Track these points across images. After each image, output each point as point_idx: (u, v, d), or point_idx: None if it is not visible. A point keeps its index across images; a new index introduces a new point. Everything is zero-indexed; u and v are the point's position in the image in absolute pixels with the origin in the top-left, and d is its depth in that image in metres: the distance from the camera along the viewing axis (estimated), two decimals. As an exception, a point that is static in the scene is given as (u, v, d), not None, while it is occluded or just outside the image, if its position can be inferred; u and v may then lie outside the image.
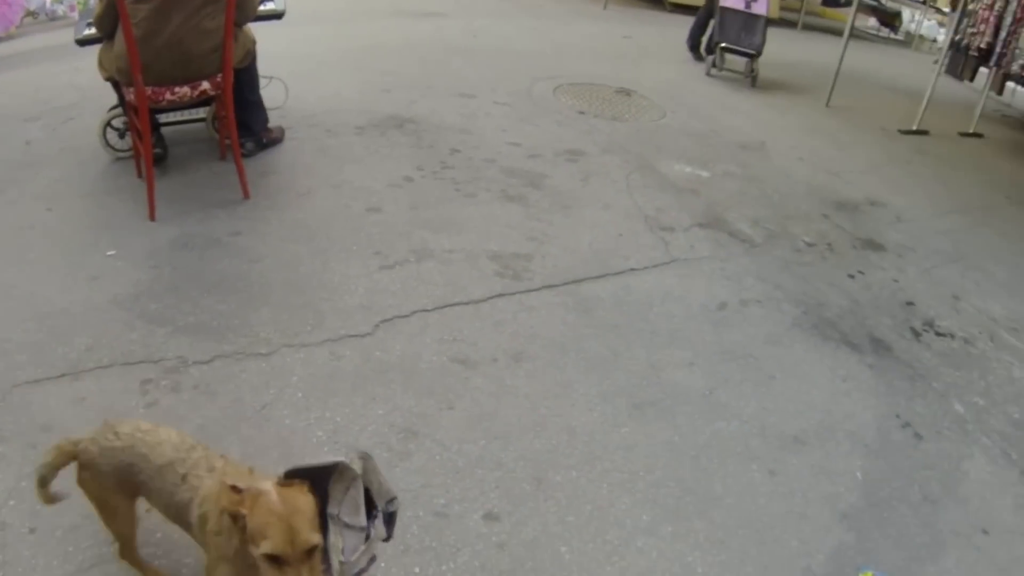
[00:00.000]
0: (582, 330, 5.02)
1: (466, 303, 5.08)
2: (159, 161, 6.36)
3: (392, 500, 2.73)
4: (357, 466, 2.60)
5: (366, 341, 4.66)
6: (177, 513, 2.86)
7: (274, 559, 2.38)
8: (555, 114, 8.57)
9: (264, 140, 6.87)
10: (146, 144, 5.56)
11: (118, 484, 2.96)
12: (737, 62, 11.14)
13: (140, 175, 6.21)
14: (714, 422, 4.39)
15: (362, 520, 2.64)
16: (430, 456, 3.92)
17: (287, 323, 4.73)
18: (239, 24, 5.73)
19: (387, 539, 2.75)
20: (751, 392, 4.70)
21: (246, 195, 6.07)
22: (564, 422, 4.24)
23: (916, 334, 5.59)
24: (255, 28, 6.44)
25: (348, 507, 2.61)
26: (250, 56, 6.28)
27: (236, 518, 2.45)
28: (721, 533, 3.76)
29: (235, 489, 2.50)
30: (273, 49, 7.59)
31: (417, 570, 3.40)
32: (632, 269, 5.74)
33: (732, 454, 4.18)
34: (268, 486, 2.50)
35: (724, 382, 4.75)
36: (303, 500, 2.49)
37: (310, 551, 2.43)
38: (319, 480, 2.61)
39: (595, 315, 5.18)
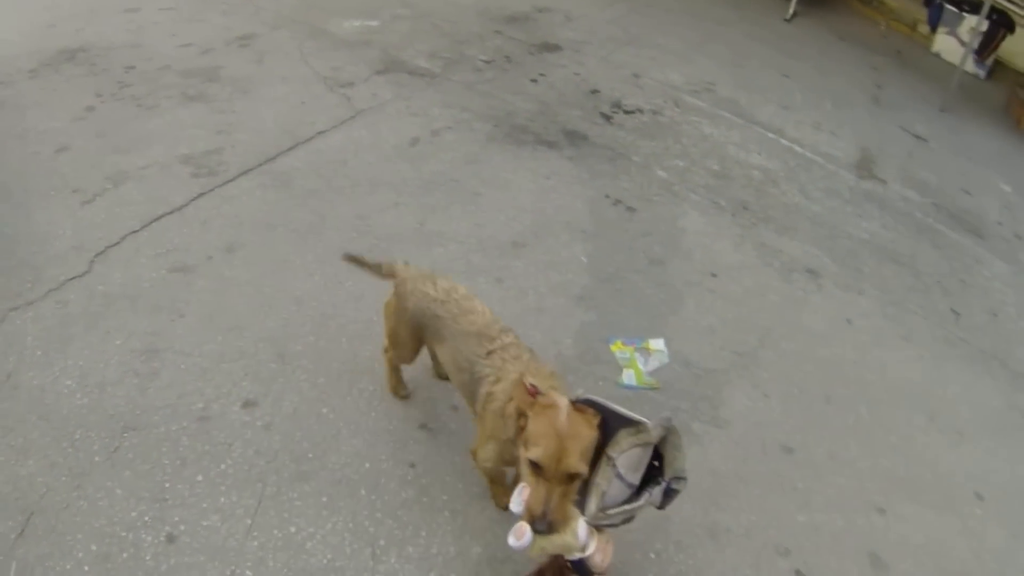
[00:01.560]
0: (285, 204, 4.99)
1: (170, 212, 4.94)
2: None
3: (680, 480, 2.61)
4: (656, 433, 2.56)
5: (86, 280, 4.50)
6: (467, 380, 3.02)
7: (536, 467, 2.48)
8: (220, 4, 8.28)
9: (-70, 114, 6.53)
10: None
11: (415, 327, 3.24)
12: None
13: None
14: (432, 250, 4.46)
15: (636, 479, 2.62)
16: (176, 368, 3.88)
17: (6, 286, 4.50)
18: None
19: (660, 507, 2.68)
20: (460, 213, 4.78)
21: (-70, 171, 5.73)
22: (289, 295, 4.24)
23: (607, 117, 5.75)
24: None
25: (629, 461, 2.58)
26: None
27: (521, 416, 2.57)
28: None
29: (532, 390, 2.62)
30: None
31: (200, 477, 3.40)
32: (320, 132, 5.70)
33: (456, 273, 4.24)
34: (563, 401, 2.56)
35: (432, 211, 4.82)
36: (587, 429, 2.55)
37: (571, 476, 2.50)
38: (613, 423, 2.60)
39: (294, 186, 5.15)
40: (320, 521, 3.28)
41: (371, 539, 3.26)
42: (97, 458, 3.50)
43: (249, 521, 3.25)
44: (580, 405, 2.62)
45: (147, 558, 3.13)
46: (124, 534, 3.21)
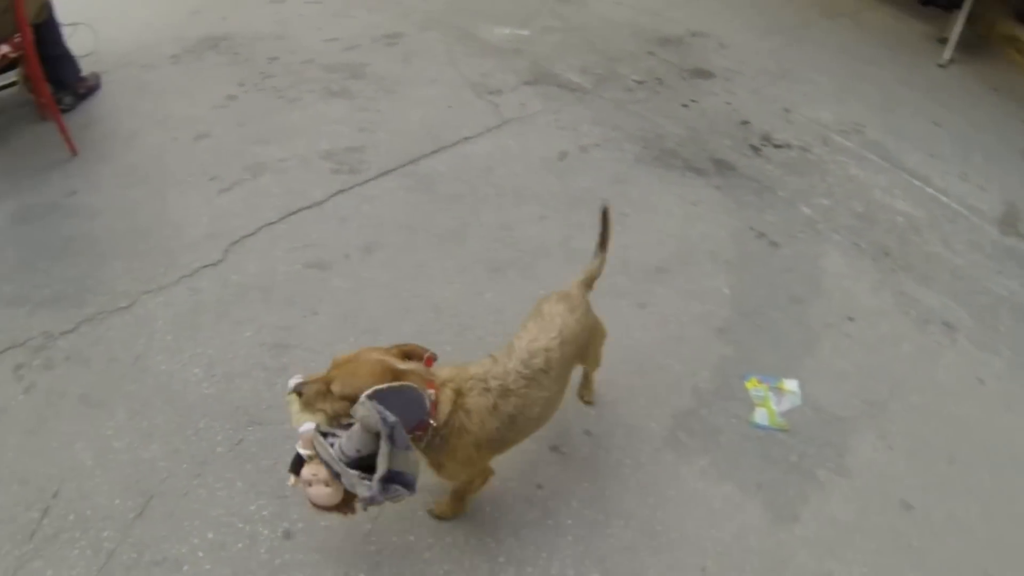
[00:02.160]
0: (427, 207, 4.94)
1: (309, 207, 4.95)
2: None
3: (390, 483, 2.63)
4: (361, 413, 2.56)
5: (220, 268, 4.51)
6: None
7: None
8: (368, 1, 8.34)
9: (80, 91, 6.58)
10: None
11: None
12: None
13: None
14: (576, 267, 4.30)
15: (352, 451, 2.66)
16: (305, 365, 3.80)
17: (140, 271, 4.55)
18: None
19: (379, 501, 2.67)
20: (608, 232, 4.66)
21: (73, 151, 5.76)
22: (427, 301, 4.19)
23: (755, 149, 5.62)
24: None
25: (353, 433, 2.63)
26: (47, 10, 5.97)
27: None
28: (606, 373, 3.76)
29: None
30: (71, -6, 7.30)
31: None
32: (466, 138, 5.65)
33: (601, 295, 4.10)
34: (395, 361, 2.76)
35: (578, 228, 4.72)
36: (370, 376, 2.64)
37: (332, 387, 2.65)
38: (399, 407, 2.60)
39: (437, 190, 5.10)
40: (441, 533, 3.23)
41: (491, 555, 3.20)
42: (220, 449, 3.51)
43: (369, 526, 3.22)
44: (406, 372, 2.71)
45: (262, 551, 3.13)
46: (241, 525, 3.21)
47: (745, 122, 5.99)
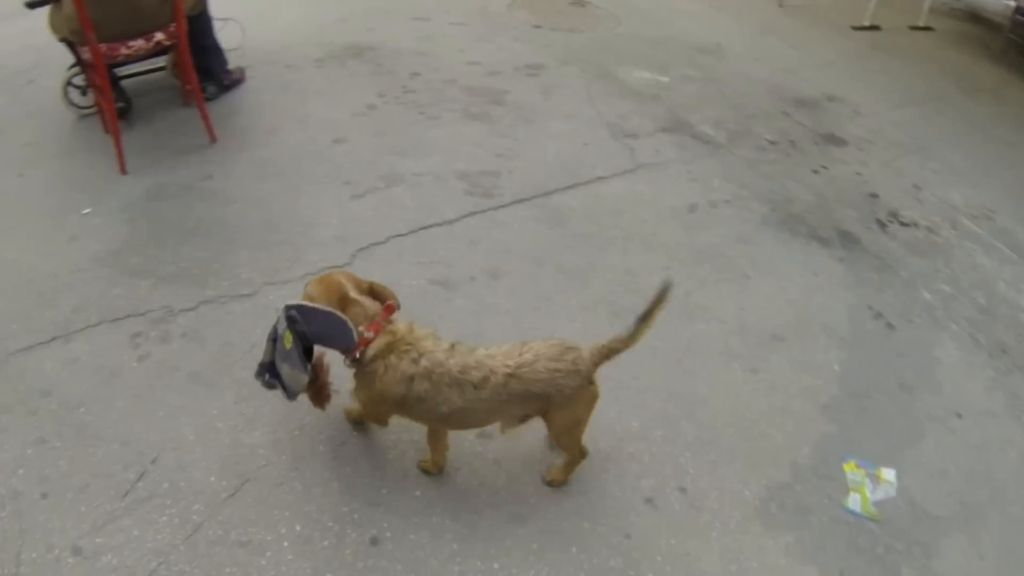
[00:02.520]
0: (556, 241, 4.99)
1: (439, 224, 5.03)
2: (123, 114, 6.26)
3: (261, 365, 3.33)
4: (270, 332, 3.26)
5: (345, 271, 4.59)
6: None
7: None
8: (511, 30, 8.45)
9: (225, 82, 6.77)
10: (108, 100, 5.46)
11: None
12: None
13: (107, 131, 6.09)
14: (694, 324, 4.39)
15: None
16: (419, 379, 3.89)
17: (266, 262, 4.68)
18: None
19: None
20: (727, 292, 4.70)
21: (213, 138, 5.98)
22: (547, 334, 4.17)
23: (882, 225, 5.59)
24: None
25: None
26: (202, 3, 6.15)
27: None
28: (709, 433, 3.79)
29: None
30: (224, -10, 7.48)
31: (418, 493, 3.44)
32: (600, 177, 5.69)
33: (713, 355, 4.18)
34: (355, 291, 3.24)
35: (700, 284, 4.75)
36: (327, 294, 3.19)
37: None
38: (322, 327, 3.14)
39: (568, 226, 5.14)
40: (525, 565, 3.25)
41: (571, 599, 3.22)
42: (322, 448, 3.60)
43: (456, 546, 3.26)
44: (352, 301, 3.18)
45: (347, 552, 3.19)
46: (330, 524, 3.28)
47: (874, 195, 5.96)
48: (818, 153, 6.44)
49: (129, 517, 3.28)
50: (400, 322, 3.24)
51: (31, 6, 5.83)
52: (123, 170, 5.57)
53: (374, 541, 3.23)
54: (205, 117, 5.89)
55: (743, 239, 5.18)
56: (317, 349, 3.35)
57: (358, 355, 3.13)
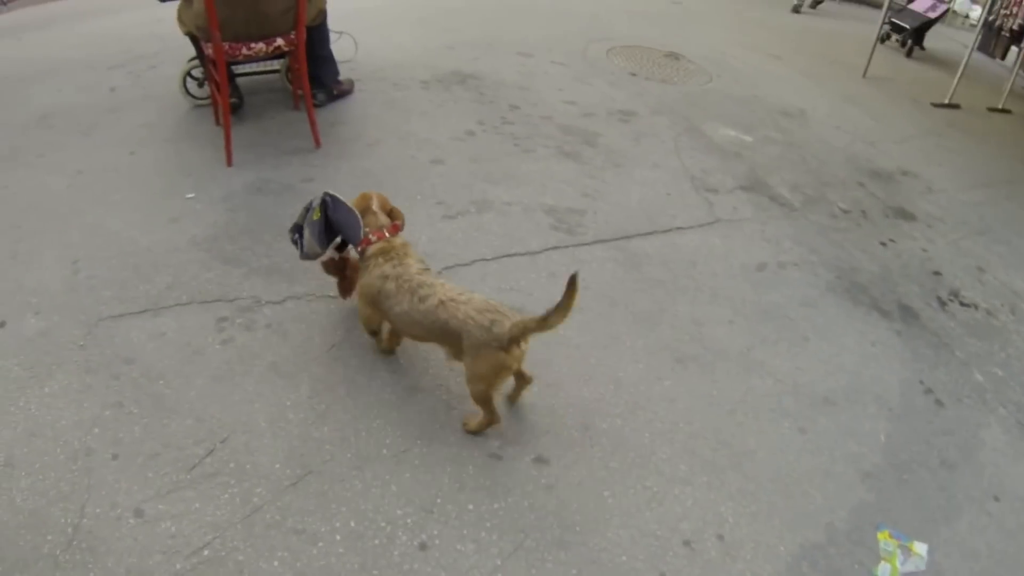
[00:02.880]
0: (630, 284, 4.99)
1: (523, 254, 5.06)
2: (236, 110, 6.41)
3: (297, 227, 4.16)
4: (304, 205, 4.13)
5: (429, 287, 4.65)
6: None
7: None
8: (608, 75, 8.49)
9: (335, 92, 6.89)
10: (224, 95, 5.60)
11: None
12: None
13: (218, 123, 6.25)
14: (750, 379, 4.38)
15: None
16: (484, 399, 3.93)
17: (355, 268, 4.73)
18: None
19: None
20: (786, 352, 4.67)
21: (317, 144, 6.09)
22: (611, 372, 4.24)
23: (942, 303, 5.53)
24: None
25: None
26: (322, 15, 6.29)
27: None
28: (752, 486, 3.77)
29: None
30: (344, 6, 7.57)
31: (471, 507, 3.45)
32: (678, 227, 5.69)
33: (766, 410, 4.16)
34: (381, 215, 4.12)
35: (761, 341, 4.73)
36: (361, 195, 4.19)
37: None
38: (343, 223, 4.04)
39: (643, 270, 5.15)
40: (559, 597, 3.24)
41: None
42: (385, 451, 3.63)
43: (499, 562, 3.26)
44: (369, 212, 4.08)
45: (395, 553, 3.22)
46: (383, 524, 3.31)
47: (937, 273, 5.89)
48: (887, 225, 6.39)
49: (193, 490, 3.36)
50: (400, 239, 4.06)
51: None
52: (229, 162, 5.75)
53: (422, 546, 3.26)
54: (312, 123, 6.02)
55: (807, 302, 5.15)
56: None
57: (360, 250, 4.01)
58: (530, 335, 3.62)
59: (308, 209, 4.07)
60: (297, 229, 4.09)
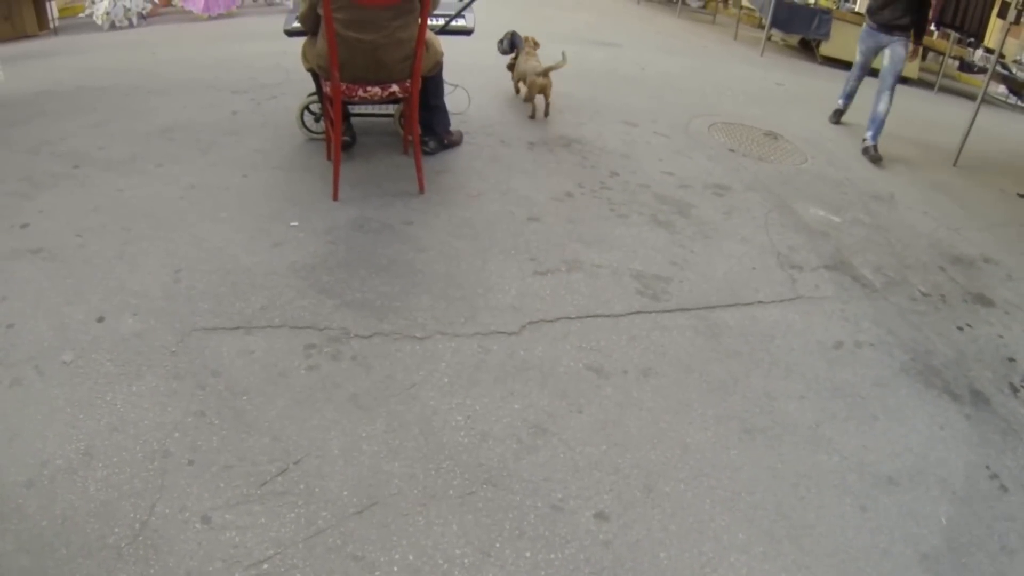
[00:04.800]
0: (708, 354, 4.84)
1: (607, 316, 4.95)
2: (347, 148, 6.50)
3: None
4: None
5: (512, 339, 4.58)
6: None
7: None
8: (708, 149, 8.37)
9: (444, 141, 6.93)
10: (337, 132, 5.68)
11: None
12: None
13: (329, 158, 6.33)
14: (816, 454, 4.19)
15: None
16: (554, 453, 3.84)
17: (443, 312, 4.70)
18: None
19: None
20: (854, 430, 4.46)
21: (421, 189, 6.10)
22: (679, 437, 4.09)
23: (1015, 390, 5.27)
24: (444, 40, 6.54)
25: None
26: (438, 66, 6.34)
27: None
28: (808, 559, 3.58)
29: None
30: (462, 60, 7.62)
31: (528, 554, 3.33)
32: (760, 302, 5.53)
33: (829, 486, 3.98)
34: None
35: (831, 417, 4.53)
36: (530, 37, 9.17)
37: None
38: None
39: (721, 341, 4.99)
40: None
41: None
42: (451, 492, 3.54)
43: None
44: (529, 40, 8.97)
45: (447, 590, 3.10)
46: (441, 561, 3.22)
47: (1012, 359, 5.62)
48: (965, 310, 6.13)
49: (261, 504, 3.33)
50: (533, 49, 8.75)
51: (289, 34, 6.20)
52: (335, 196, 5.83)
53: (477, 589, 3.16)
54: (419, 168, 6.06)
55: (880, 382, 4.92)
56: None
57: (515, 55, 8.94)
58: (551, 71, 7.94)
59: (509, 35, 8.86)
60: (505, 41, 8.91)
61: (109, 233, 5.26)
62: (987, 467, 4.52)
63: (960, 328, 5.86)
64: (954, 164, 10.09)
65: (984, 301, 6.39)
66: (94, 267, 4.90)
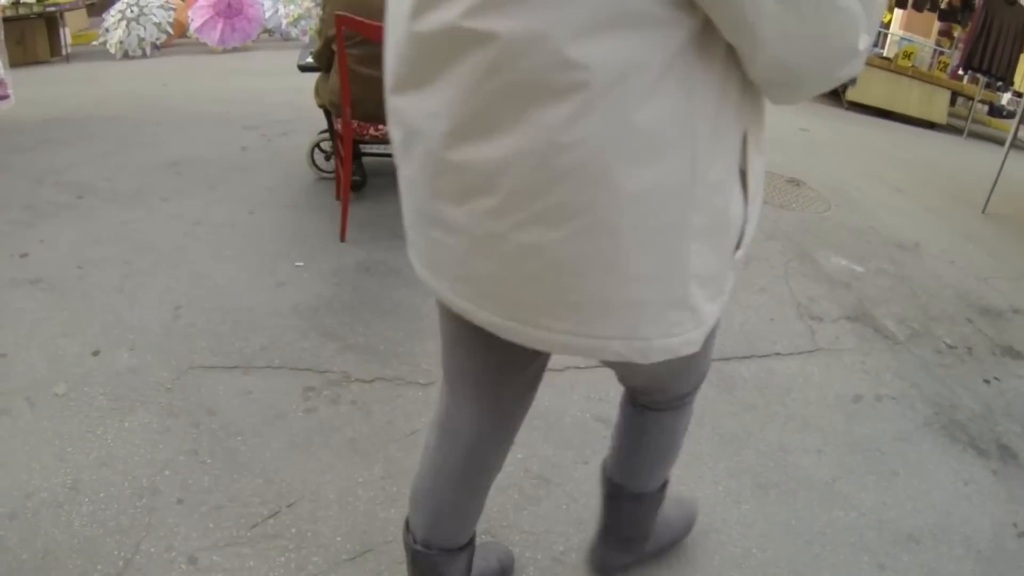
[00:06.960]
0: (720, 406, 4.77)
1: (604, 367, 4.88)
2: (357, 188, 6.50)
3: None
4: None
5: (519, 390, 4.53)
6: None
7: None
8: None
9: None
10: (347, 171, 5.69)
11: None
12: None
13: (338, 197, 6.34)
14: (832, 510, 4.10)
15: None
16: (557, 505, 3.77)
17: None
18: None
19: None
20: (873, 485, 4.36)
21: (431, 233, 6.05)
22: (689, 491, 4.01)
23: (1045, 445, 5.18)
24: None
25: None
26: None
27: None
28: (822, 623, 3.50)
29: None
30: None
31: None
32: (778, 353, 5.45)
33: (845, 544, 3.89)
34: None
35: (848, 472, 4.43)
36: None
37: None
38: None
39: (735, 393, 4.92)
40: None
41: None
42: (449, 542, 3.46)
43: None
44: None
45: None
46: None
47: (1041, 414, 5.55)
48: (993, 363, 6.03)
49: (250, 547, 3.27)
50: None
51: (303, 69, 6.18)
52: (343, 237, 5.83)
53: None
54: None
55: (901, 437, 4.83)
56: None
57: None
58: None
59: None
60: None
61: (110, 266, 5.29)
62: (1014, 524, 4.41)
63: (987, 381, 5.77)
64: (983, 211, 10.01)
65: (1013, 354, 6.30)
66: (92, 300, 4.91)
